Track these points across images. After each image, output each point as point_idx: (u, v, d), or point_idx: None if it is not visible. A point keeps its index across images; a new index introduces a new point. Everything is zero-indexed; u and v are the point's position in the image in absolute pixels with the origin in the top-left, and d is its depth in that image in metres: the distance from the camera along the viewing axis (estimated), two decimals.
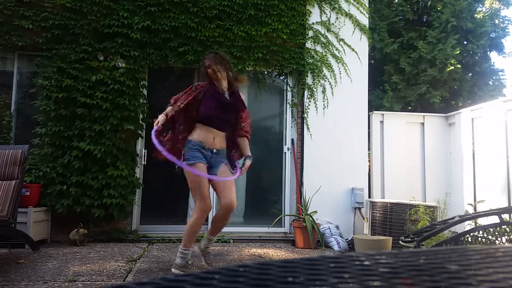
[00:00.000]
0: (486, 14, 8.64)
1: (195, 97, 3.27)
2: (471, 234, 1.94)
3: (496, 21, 8.53)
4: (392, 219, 4.64)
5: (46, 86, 4.81)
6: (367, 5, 5.72)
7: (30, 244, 3.96)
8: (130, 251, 4.21)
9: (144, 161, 5.21)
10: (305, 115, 5.38)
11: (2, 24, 4.95)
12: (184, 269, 3.18)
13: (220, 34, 5.20)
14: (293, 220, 5.03)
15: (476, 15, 8.40)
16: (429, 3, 8.57)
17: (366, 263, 0.37)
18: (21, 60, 5.22)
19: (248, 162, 3.33)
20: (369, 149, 5.63)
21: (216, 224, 3.35)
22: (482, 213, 2.18)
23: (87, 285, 2.90)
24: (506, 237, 1.91)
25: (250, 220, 5.55)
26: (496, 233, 1.92)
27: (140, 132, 5.09)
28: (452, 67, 7.45)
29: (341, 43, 5.53)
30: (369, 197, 5.41)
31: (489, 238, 1.92)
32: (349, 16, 5.59)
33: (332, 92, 5.45)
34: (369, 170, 5.61)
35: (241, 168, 3.37)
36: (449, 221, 2.07)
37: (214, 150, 3.23)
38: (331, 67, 5.48)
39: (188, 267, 3.23)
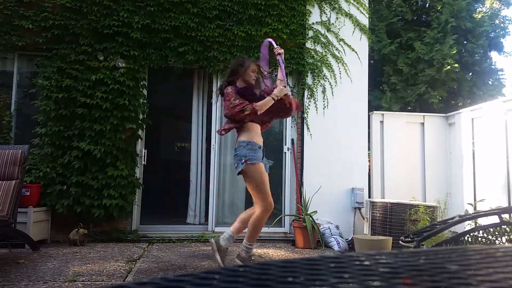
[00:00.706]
0: (486, 14, 8.65)
1: None
2: (471, 234, 1.94)
3: (497, 21, 8.53)
4: (392, 219, 4.64)
5: (46, 86, 4.81)
6: (367, 5, 5.72)
7: (30, 244, 3.96)
8: (130, 251, 4.21)
9: (144, 161, 5.21)
10: (305, 115, 5.38)
11: (2, 24, 4.95)
12: (246, 262, 3.25)
13: (220, 34, 5.20)
14: (293, 220, 5.03)
15: (475, 15, 8.40)
16: (428, 3, 8.57)
17: (366, 263, 0.37)
18: (21, 60, 5.22)
19: None
20: (369, 149, 5.63)
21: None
22: (482, 213, 2.18)
23: (87, 285, 2.90)
24: (506, 237, 1.91)
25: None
26: (496, 233, 1.92)
27: (140, 133, 5.09)
28: (449, 67, 7.45)
29: (341, 43, 5.53)
30: (369, 197, 5.41)
31: (489, 238, 1.92)
32: (349, 16, 5.59)
33: (332, 92, 5.45)
34: (369, 170, 5.61)
35: None
36: (449, 221, 2.07)
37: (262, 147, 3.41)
38: (331, 67, 5.48)
39: (249, 261, 3.34)
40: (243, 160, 3.22)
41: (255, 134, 3.32)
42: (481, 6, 8.89)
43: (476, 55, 8.27)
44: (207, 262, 3.80)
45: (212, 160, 5.32)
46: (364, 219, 5.19)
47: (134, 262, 3.69)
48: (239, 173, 3.32)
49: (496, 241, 1.92)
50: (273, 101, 3.23)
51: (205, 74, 5.60)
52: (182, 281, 0.32)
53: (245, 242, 3.33)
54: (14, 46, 4.98)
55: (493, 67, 8.52)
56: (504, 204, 4.44)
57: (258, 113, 3.17)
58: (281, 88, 3.30)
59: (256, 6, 5.27)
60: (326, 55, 5.48)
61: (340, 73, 5.49)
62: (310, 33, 5.49)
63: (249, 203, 5.61)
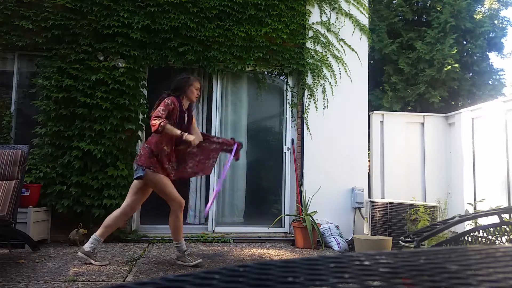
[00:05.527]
0: (486, 14, 8.65)
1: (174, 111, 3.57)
2: (471, 234, 1.94)
3: (496, 22, 8.53)
4: (392, 219, 4.64)
5: (46, 86, 4.81)
6: (367, 5, 5.72)
7: (30, 244, 3.96)
8: (130, 251, 4.21)
9: None
10: (305, 115, 5.38)
11: (2, 24, 4.95)
12: (184, 259, 3.66)
13: (220, 34, 5.20)
14: (293, 220, 5.03)
15: (475, 16, 8.40)
16: (428, 3, 8.57)
17: (366, 263, 0.37)
18: (21, 60, 5.22)
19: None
20: (369, 149, 5.63)
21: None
22: (482, 213, 2.18)
23: (87, 285, 2.90)
24: (506, 237, 1.91)
25: (250, 220, 5.55)
26: (496, 233, 1.92)
27: (140, 133, 5.09)
28: (449, 67, 7.46)
29: (341, 43, 5.53)
30: (369, 197, 5.41)
31: (489, 238, 1.92)
32: (349, 16, 5.59)
33: (332, 92, 5.45)
34: (369, 170, 5.61)
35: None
36: (449, 221, 2.07)
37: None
38: (331, 67, 5.48)
39: (185, 256, 3.67)
40: (143, 168, 3.46)
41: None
42: (480, 6, 8.88)
43: (475, 55, 8.28)
44: (207, 262, 3.80)
45: None
46: (364, 219, 5.19)
47: (134, 262, 3.69)
48: (137, 178, 3.53)
49: (496, 241, 1.92)
50: (178, 134, 3.43)
51: (205, 74, 5.60)
52: (182, 281, 0.32)
53: (173, 242, 3.70)
54: (14, 46, 4.98)
55: (493, 67, 8.51)
56: (504, 204, 4.44)
57: (161, 132, 3.36)
58: (192, 139, 3.49)
59: (256, 6, 5.27)
60: (326, 55, 5.48)
61: (340, 73, 5.49)
62: (310, 33, 5.49)
63: (249, 203, 5.62)
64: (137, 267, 3.50)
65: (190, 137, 3.44)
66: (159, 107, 3.44)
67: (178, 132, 3.42)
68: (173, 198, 3.54)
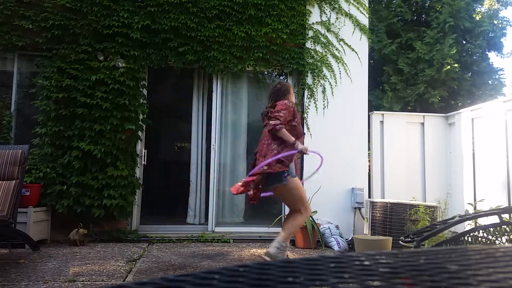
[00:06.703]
0: (485, 14, 8.65)
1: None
2: (471, 234, 1.94)
3: (495, 22, 8.53)
4: (392, 219, 4.64)
5: (46, 86, 4.81)
6: (367, 5, 5.72)
7: (30, 244, 3.96)
8: (130, 251, 4.21)
9: (144, 161, 5.21)
10: (305, 115, 5.38)
11: (2, 24, 4.95)
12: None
13: (220, 34, 5.20)
14: None
15: (474, 15, 8.41)
16: (427, 3, 8.57)
17: (366, 263, 0.37)
18: (21, 60, 5.22)
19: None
20: (369, 149, 5.63)
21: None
22: (482, 213, 2.18)
23: (87, 285, 2.90)
24: (506, 237, 1.91)
25: (250, 220, 5.55)
26: (496, 233, 1.92)
27: (140, 133, 5.09)
28: (449, 67, 7.46)
29: (341, 43, 5.53)
30: (369, 197, 5.41)
31: (489, 238, 1.92)
32: (349, 16, 5.59)
33: (332, 92, 5.45)
34: (369, 170, 5.61)
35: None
36: (449, 221, 2.07)
37: None
38: (331, 67, 5.48)
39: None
40: (286, 174, 3.33)
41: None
42: (479, 6, 8.89)
43: (475, 55, 8.28)
44: (207, 262, 3.80)
45: (212, 160, 5.32)
46: (364, 219, 5.19)
47: (134, 262, 3.69)
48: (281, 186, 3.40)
49: (496, 241, 1.92)
50: (291, 142, 3.31)
51: (205, 74, 5.60)
52: (182, 281, 0.32)
53: (279, 238, 3.41)
54: (14, 46, 4.98)
55: (492, 67, 8.51)
56: (504, 204, 4.44)
57: (276, 133, 3.30)
58: (304, 148, 3.38)
59: (256, 6, 5.27)
60: (326, 55, 5.48)
61: (340, 73, 5.49)
62: (310, 33, 5.49)
63: (248, 202, 5.61)
64: (137, 267, 3.50)
65: (302, 147, 3.33)
66: (280, 110, 3.33)
67: (292, 139, 3.30)
68: (304, 202, 3.52)
